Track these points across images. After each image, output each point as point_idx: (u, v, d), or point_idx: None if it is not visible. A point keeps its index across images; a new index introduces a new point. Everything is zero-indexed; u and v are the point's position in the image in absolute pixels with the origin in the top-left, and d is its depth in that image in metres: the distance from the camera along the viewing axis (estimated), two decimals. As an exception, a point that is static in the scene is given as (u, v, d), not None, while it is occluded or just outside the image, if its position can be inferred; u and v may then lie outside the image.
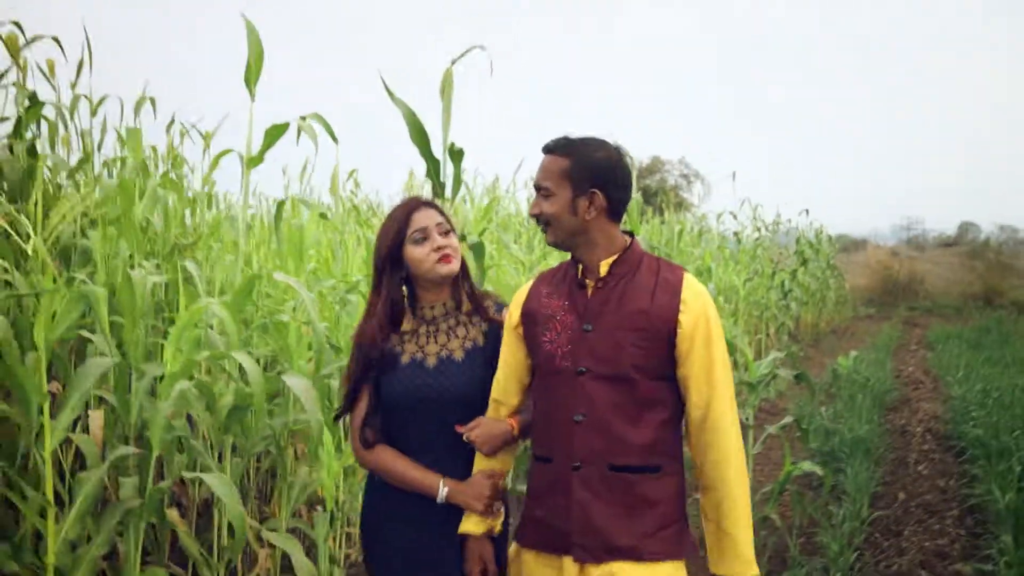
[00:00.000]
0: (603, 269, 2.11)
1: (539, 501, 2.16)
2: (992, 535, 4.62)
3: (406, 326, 2.34)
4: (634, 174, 7.34)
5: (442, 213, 2.36)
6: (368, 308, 2.37)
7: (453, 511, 2.25)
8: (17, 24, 4.35)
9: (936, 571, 4.24)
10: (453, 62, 3.43)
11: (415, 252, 2.29)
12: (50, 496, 2.64)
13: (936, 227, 41.92)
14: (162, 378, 2.97)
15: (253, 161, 3.22)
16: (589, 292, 2.12)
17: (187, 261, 3.93)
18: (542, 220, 2.14)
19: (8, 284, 3.00)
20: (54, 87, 4.56)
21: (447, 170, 3.47)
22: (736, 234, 13.07)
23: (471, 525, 2.23)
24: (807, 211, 15.60)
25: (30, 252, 2.37)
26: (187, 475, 3.03)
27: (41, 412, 2.63)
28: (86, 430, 3.36)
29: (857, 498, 5.26)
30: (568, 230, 2.10)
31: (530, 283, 2.29)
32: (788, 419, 5.14)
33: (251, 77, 3.13)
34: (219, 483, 2.78)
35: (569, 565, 2.07)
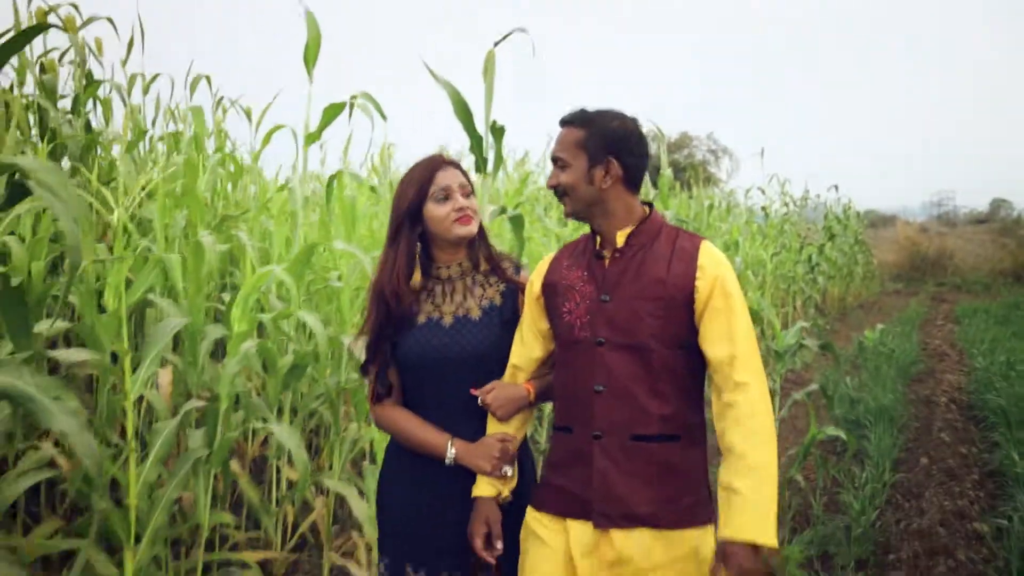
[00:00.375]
0: (620, 239, 2.12)
1: (559, 470, 2.15)
2: (1009, 496, 4.79)
3: (418, 283, 2.30)
4: (663, 148, 7.44)
5: (465, 174, 2.33)
6: (383, 261, 2.32)
7: (462, 473, 2.22)
8: (74, 5, 4.59)
9: (955, 529, 4.41)
10: (496, 44, 3.61)
11: (436, 211, 2.25)
12: (131, 443, 2.88)
13: (968, 203, 41.52)
14: (225, 339, 3.20)
15: (311, 137, 3.43)
16: (607, 263, 2.12)
17: (239, 232, 4.17)
18: (559, 191, 2.14)
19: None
20: (101, 64, 4.80)
21: (489, 146, 3.66)
22: (764, 209, 13.17)
23: (481, 488, 2.20)
24: (836, 187, 15.65)
25: (114, 223, 2.58)
26: (257, 426, 3.26)
27: (120, 366, 2.87)
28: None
29: (880, 462, 5.45)
30: (585, 200, 2.11)
31: (552, 254, 2.30)
32: (813, 386, 5.31)
33: (309, 60, 3.33)
34: (287, 434, 3.02)
35: (576, 528, 2.07)
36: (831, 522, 4.59)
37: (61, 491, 3.62)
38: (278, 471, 4.01)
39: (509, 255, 2.45)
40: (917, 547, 4.20)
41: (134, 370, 2.92)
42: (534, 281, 2.26)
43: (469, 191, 2.30)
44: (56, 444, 3.26)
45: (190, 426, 3.49)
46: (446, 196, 2.25)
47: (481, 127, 3.61)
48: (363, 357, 2.34)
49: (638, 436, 2.04)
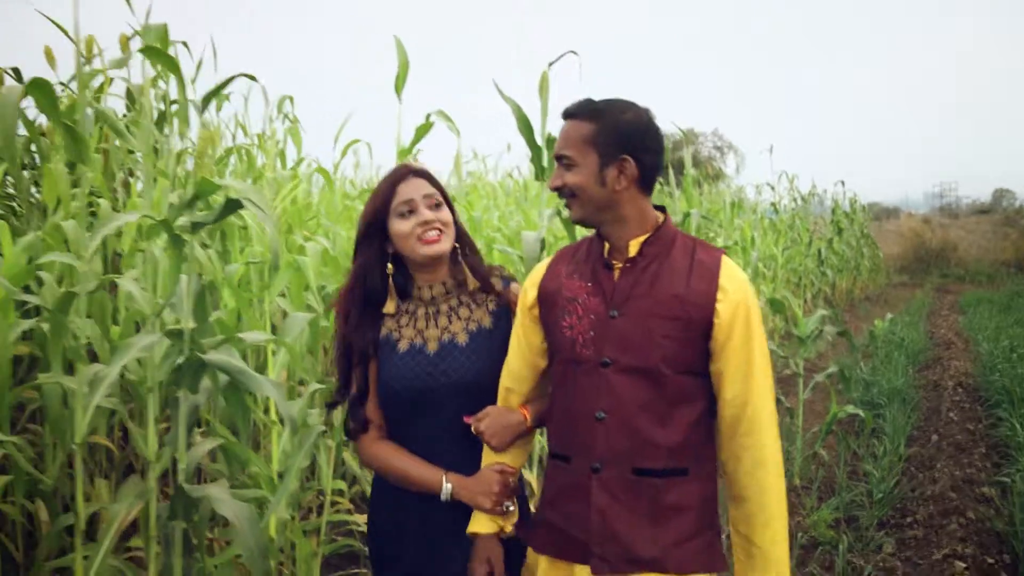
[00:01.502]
0: (633, 248, 1.89)
1: (554, 504, 1.96)
2: (1013, 461, 5.33)
3: (390, 308, 2.11)
4: (689, 148, 7.92)
5: (434, 183, 2.10)
6: (343, 286, 2.16)
7: (459, 509, 2.04)
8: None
9: (965, 493, 4.94)
10: (550, 64, 4.14)
11: (399, 227, 2.05)
12: (274, 417, 3.42)
13: (970, 193, 41.92)
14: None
15: (403, 152, 3.94)
16: (616, 274, 1.90)
17: (318, 235, 4.70)
18: (565, 193, 1.90)
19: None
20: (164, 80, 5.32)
21: (546, 157, 4.19)
22: (773, 204, 13.70)
23: (480, 524, 2.02)
24: (843, 182, 16.19)
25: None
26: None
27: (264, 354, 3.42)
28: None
29: (895, 438, 5.98)
30: (595, 203, 1.88)
31: (547, 260, 2.07)
32: (833, 368, 5.85)
33: (399, 85, 3.84)
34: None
35: (583, 574, 1.88)
36: (854, 489, 5.12)
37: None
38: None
39: (498, 267, 2.24)
40: (931, 509, 4.73)
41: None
42: (528, 290, 2.04)
43: (437, 201, 2.08)
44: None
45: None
46: (411, 210, 2.05)
47: (539, 139, 4.13)
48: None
49: (642, 470, 1.84)
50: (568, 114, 1.92)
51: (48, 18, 3.79)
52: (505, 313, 2.14)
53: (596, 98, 1.91)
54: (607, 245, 1.93)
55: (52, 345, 2.76)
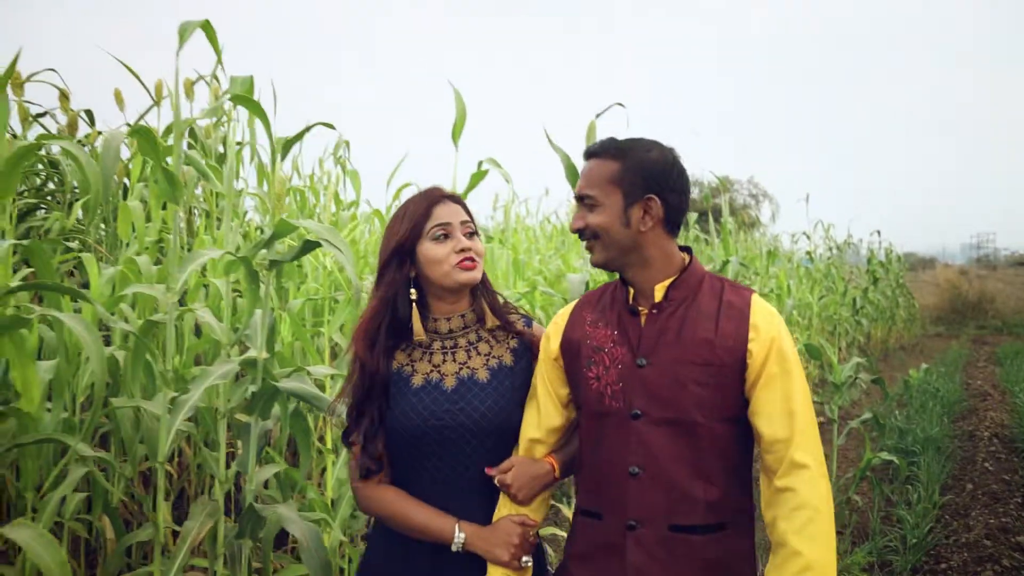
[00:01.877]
0: (659, 293, 1.82)
1: (585, 562, 1.85)
2: (1048, 513, 5.37)
3: (421, 334, 1.97)
4: (726, 195, 8.06)
5: (467, 211, 2.03)
6: (367, 312, 2.01)
7: (472, 563, 1.90)
8: (215, 77, 5.41)
9: (1000, 541, 4.99)
10: (598, 115, 4.35)
11: (434, 251, 1.93)
12: (330, 446, 3.60)
13: (1008, 245, 41.61)
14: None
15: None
16: (642, 320, 1.83)
17: (366, 274, 4.92)
18: (587, 234, 1.83)
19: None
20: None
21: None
22: (808, 253, 13.79)
23: None
24: (879, 232, 16.26)
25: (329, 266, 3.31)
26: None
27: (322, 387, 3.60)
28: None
29: (929, 485, 6.03)
30: (620, 245, 1.81)
31: (570, 307, 1.99)
32: (867, 415, 5.93)
33: (456, 134, 4.07)
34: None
35: None
36: (888, 534, 5.18)
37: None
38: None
39: (515, 306, 2.12)
40: (966, 556, 4.78)
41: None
42: (551, 338, 1.96)
43: (472, 230, 2.01)
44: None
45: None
46: (446, 234, 1.95)
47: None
48: (345, 422, 2.02)
49: (680, 527, 1.75)
50: (591, 153, 1.86)
51: (125, 65, 4.08)
52: (526, 352, 2.04)
53: (620, 137, 1.87)
54: (631, 291, 1.86)
55: (132, 370, 2.97)
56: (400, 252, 1.96)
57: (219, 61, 2.68)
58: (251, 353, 2.77)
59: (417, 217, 1.96)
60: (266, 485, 4.07)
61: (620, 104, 4.44)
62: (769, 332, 1.75)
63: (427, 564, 1.93)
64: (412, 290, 1.97)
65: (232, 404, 2.85)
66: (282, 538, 4.00)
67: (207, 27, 2.50)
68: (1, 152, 2.43)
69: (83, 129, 5.19)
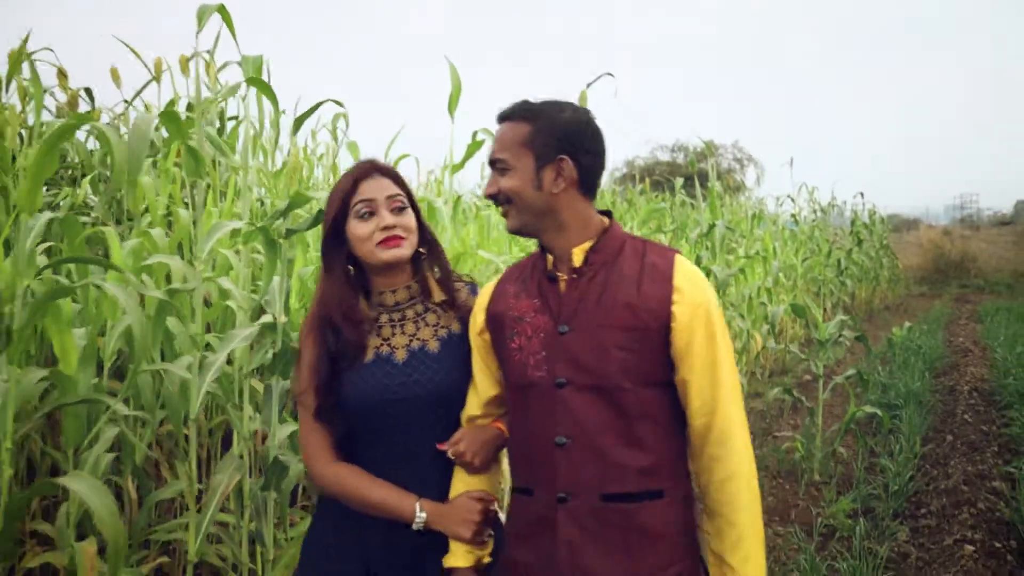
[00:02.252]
0: (577, 258, 1.77)
1: (520, 541, 1.80)
2: (1022, 457, 5.63)
3: (366, 310, 1.95)
4: (713, 160, 8.19)
5: (400, 183, 1.96)
6: (322, 294, 1.96)
7: (430, 540, 1.88)
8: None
9: (975, 486, 5.25)
10: (588, 85, 4.51)
11: (357, 229, 1.90)
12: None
13: (991, 205, 41.98)
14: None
15: (455, 168, 4.30)
16: (562, 286, 1.77)
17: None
18: (501, 199, 1.78)
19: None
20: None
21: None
22: (793, 216, 14.00)
23: (458, 558, 1.86)
24: (862, 194, 16.48)
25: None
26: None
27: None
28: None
29: (911, 436, 6.29)
30: (533, 209, 1.76)
31: (494, 281, 1.94)
32: (851, 371, 6.17)
33: (452, 106, 4.22)
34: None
35: None
36: (871, 483, 5.43)
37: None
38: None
39: (463, 275, 2.11)
40: (944, 501, 5.03)
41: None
42: (476, 314, 1.92)
43: (401, 204, 1.94)
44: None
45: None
46: (371, 211, 1.90)
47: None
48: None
49: (612, 496, 1.70)
50: (503, 116, 1.80)
51: (127, 45, 4.21)
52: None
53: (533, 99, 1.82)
54: (550, 257, 1.81)
55: (153, 336, 3.14)
56: (334, 231, 1.93)
57: (235, 41, 2.82)
58: (268, 318, 2.94)
59: (344, 193, 1.91)
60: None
61: (610, 74, 4.61)
62: (694, 296, 1.71)
63: (380, 540, 1.91)
64: (350, 267, 1.95)
65: (255, 364, 3.02)
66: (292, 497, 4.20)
67: (223, 10, 2.65)
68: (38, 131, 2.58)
69: (83, 107, 5.30)
